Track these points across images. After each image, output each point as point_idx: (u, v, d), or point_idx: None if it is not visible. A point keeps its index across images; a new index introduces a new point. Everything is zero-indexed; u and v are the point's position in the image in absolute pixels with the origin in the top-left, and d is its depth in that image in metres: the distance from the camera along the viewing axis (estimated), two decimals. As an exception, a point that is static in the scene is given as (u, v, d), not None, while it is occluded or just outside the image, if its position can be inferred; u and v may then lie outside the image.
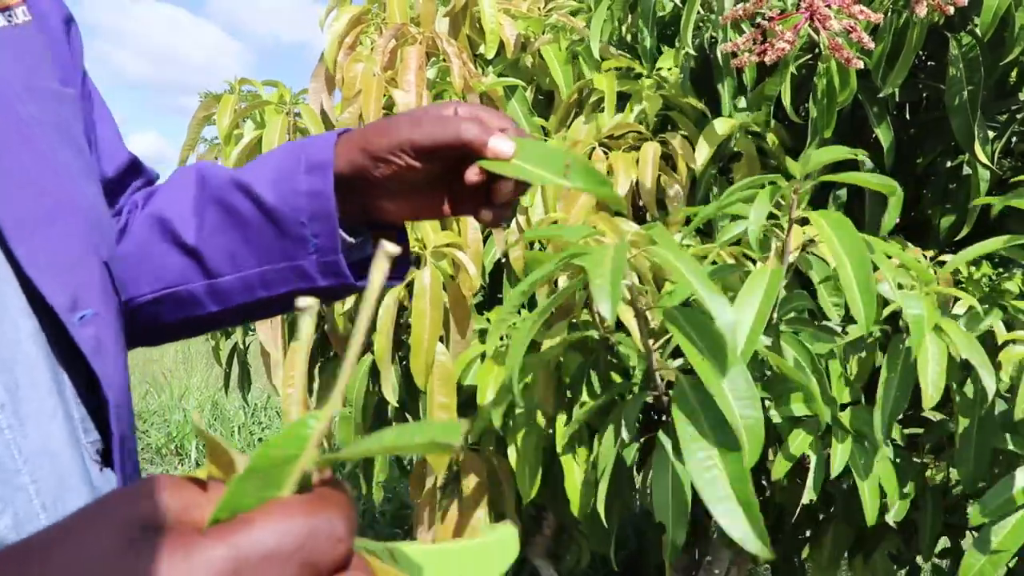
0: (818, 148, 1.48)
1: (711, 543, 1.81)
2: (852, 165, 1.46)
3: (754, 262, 1.25)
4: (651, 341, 1.21)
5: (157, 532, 0.29)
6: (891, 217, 1.19)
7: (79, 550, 0.29)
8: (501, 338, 1.50)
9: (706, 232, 1.56)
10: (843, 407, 1.25)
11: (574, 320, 1.31)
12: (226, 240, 0.71)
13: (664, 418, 1.24)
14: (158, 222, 0.74)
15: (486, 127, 0.63)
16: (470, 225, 1.49)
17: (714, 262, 1.29)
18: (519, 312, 1.58)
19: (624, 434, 1.18)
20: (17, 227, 0.55)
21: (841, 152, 1.12)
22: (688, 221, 1.57)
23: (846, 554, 1.59)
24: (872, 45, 1.25)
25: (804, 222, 1.21)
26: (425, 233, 1.41)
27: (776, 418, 1.25)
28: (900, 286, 1.19)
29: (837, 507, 1.45)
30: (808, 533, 1.69)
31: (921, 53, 1.56)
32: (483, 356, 1.41)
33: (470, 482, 1.42)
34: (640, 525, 2.86)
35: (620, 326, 1.33)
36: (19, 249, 0.55)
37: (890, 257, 1.14)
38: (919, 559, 1.60)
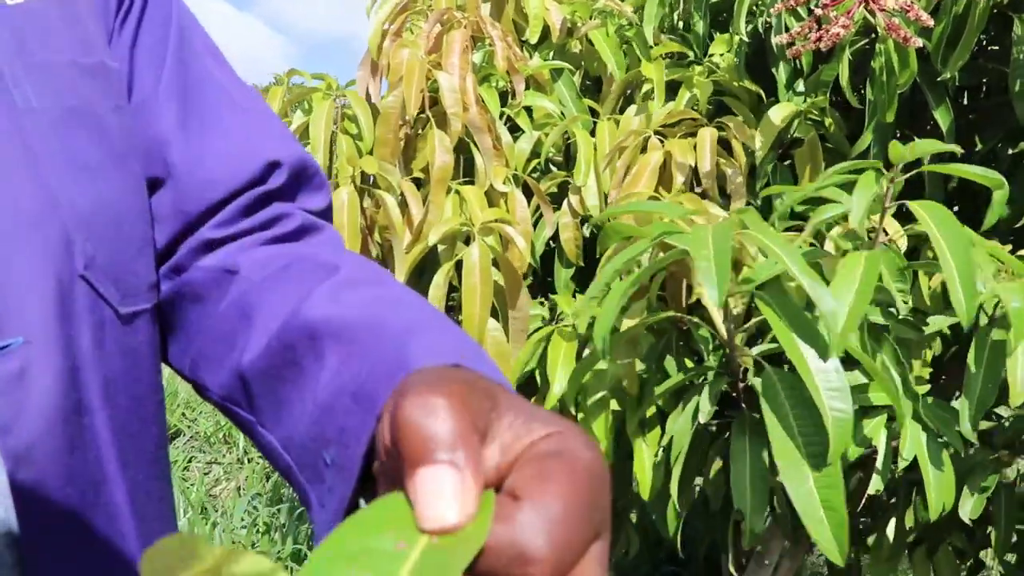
0: (876, 133, 1.45)
1: (763, 534, 1.79)
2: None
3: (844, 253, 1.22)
4: (731, 326, 1.18)
5: None
6: (995, 212, 1.16)
7: None
8: (554, 317, 1.48)
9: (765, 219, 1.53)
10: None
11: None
12: (266, 390, 0.59)
13: (741, 404, 1.22)
14: (235, 327, 0.61)
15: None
16: (518, 202, 1.47)
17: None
18: (574, 296, 1.56)
19: (701, 417, 1.16)
20: None
21: (942, 146, 1.09)
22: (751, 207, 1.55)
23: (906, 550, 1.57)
24: (931, 22, 1.21)
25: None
26: (472, 209, 1.39)
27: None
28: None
29: (900, 500, 1.43)
30: (865, 528, 1.68)
31: (983, 35, 1.52)
32: (548, 339, 1.38)
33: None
34: (689, 517, 2.85)
35: (692, 309, 1.31)
36: None
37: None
38: (984, 555, 1.59)
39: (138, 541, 0.62)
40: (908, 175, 1.17)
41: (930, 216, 1.06)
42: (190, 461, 4.01)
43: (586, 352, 1.24)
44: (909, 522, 1.46)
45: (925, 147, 1.10)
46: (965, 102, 1.69)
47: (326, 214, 0.73)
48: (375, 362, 0.48)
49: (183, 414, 4.25)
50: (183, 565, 0.30)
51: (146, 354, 0.63)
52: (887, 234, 1.26)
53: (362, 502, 0.30)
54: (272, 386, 0.57)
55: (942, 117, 1.43)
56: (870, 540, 1.65)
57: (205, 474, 3.93)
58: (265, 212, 0.68)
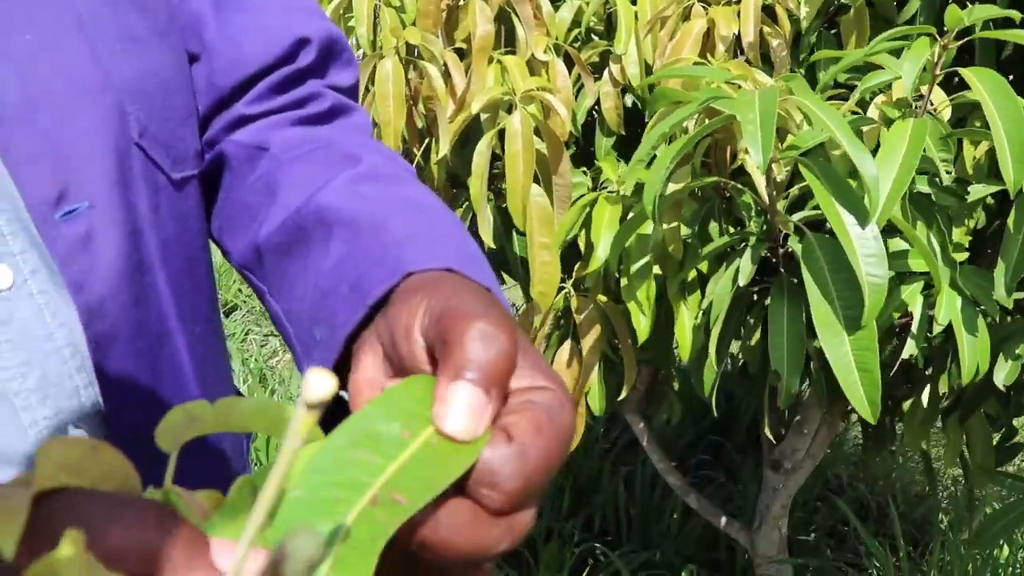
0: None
1: (802, 402, 1.84)
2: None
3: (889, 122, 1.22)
4: (773, 192, 1.20)
5: None
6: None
7: None
8: (598, 185, 1.50)
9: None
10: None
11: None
12: (275, 263, 0.63)
13: (780, 270, 1.24)
14: (259, 200, 0.65)
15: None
16: (559, 71, 1.47)
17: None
18: (618, 163, 1.57)
19: (741, 280, 1.19)
20: (4, 115, 0.54)
21: (1001, 11, 1.08)
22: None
23: (939, 416, 1.61)
24: None
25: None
26: (514, 78, 1.40)
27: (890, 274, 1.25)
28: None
29: (936, 367, 1.46)
30: (900, 395, 1.71)
31: None
32: (593, 204, 1.40)
33: (586, 323, 1.45)
34: (730, 388, 2.91)
35: (735, 176, 1.32)
36: (1, 139, 0.53)
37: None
38: (1017, 422, 1.62)
39: (198, 388, 0.68)
40: (962, 41, 1.15)
41: (982, 83, 1.06)
42: (247, 334, 4.13)
43: (629, 216, 1.26)
44: (944, 388, 1.49)
45: (982, 12, 1.08)
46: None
47: (353, 90, 0.77)
48: (375, 260, 0.52)
49: (239, 289, 4.34)
50: (188, 430, 0.34)
51: (196, 217, 0.68)
52: (932, 104, 1.25)
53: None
54: (282, 261, 0.62)
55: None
56: (905, 406, 1.69)
57: (261, 346, 4.05)
58: (298, 91, 0.71)
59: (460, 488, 0.35)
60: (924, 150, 1.16)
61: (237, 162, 0.69)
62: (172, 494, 0.33)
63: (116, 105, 0.59)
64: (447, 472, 0.34)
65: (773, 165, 1.17)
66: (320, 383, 0.26)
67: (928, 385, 1.53)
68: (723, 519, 2.12)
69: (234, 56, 0.69)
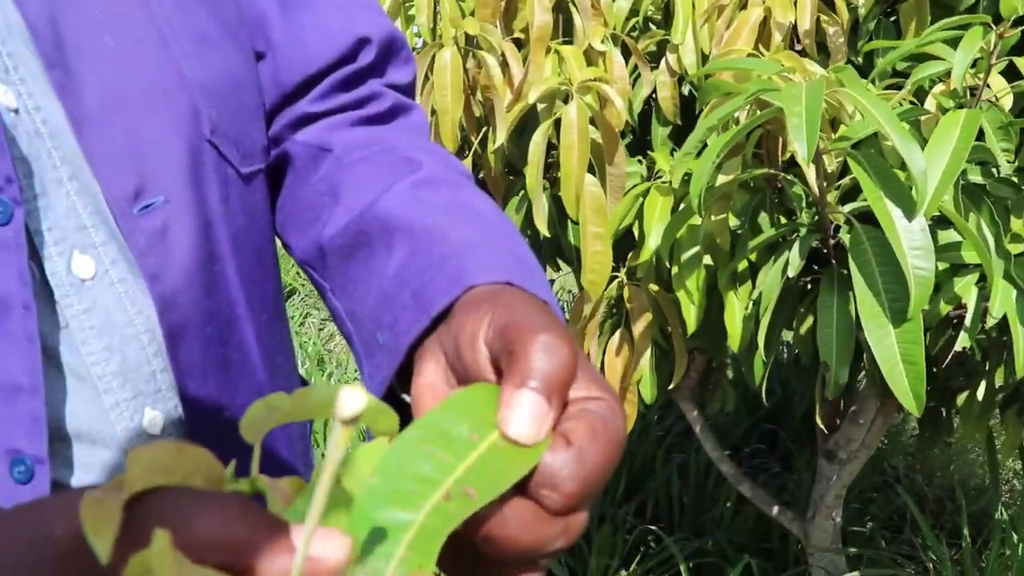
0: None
1: (857, 393, 1.83)
2: None
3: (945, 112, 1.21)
4: (824, 184, 1.20)
5: None
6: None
7: None
8: (652, 174, 1.51)
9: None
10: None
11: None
12: (338, 264, 0.67)
13: (831, 260, 1.25)
14: (322, 200, 0.69)
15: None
16: (615, 61, 1.49)
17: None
18: (672, 153, 1.59)
19: (790, 271, 1.20)
20: (87, 116, 0.57)
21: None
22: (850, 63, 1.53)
23: (997, 410, 1.60)
24: None
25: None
26: (571, 68, 1.41)
27: (942, 264, 1.25)
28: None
29: (992, 360, 1.45)
30: (956, 387, 1.70)
31: None
32: (646, 194, 1.42)
33: (638, 312, 1.47)
34: (785, 377, 2.91)
35: (787, 167, 1.32)
36: (84, 139, 0.57)
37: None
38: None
39: (266, 373, 0.71)
40: (1019, 28, 1.14)
41: (1034, 72, 1.05)
42: (305, 317, 4.22)
43: (681, 207, 1.28)
44: (1000, 381, 1.48)
45: (1037, 0, 1.07)
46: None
47: (411, 88, 0.80)
48: (437, 270, 0.55)
49: (297, 273, 4.44)
50: (269, 419, 0.37)
51: (263, 210, 0.72)
52: (992, 92, 1.24)
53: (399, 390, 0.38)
54: (344, 262, 0.65)
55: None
56: (960, 399, 1.68)
57: (320, 330, 4.14)
58: (360, 90, 0.74)
59: (521, 489, 0.38)
60: (983, 139, 1.15)
61: (301, 162, 0.72)
62: (258, 482, 0.36)
63: (190, 104, 0.62)
64: (511, 473, 0.37)
65: (824, 156, 1.18)
66: (352, 400, 0.29)
67: (984, 378, 1.52)
68: (776, 508, 2.12)
69: (299, 54, 0.72)
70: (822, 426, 1.65)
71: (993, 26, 1.12)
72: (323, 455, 0.37)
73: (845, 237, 1.14)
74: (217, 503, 0.32)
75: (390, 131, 0.74)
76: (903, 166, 1.14)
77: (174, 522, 0.31)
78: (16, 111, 0.56)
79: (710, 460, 2.75)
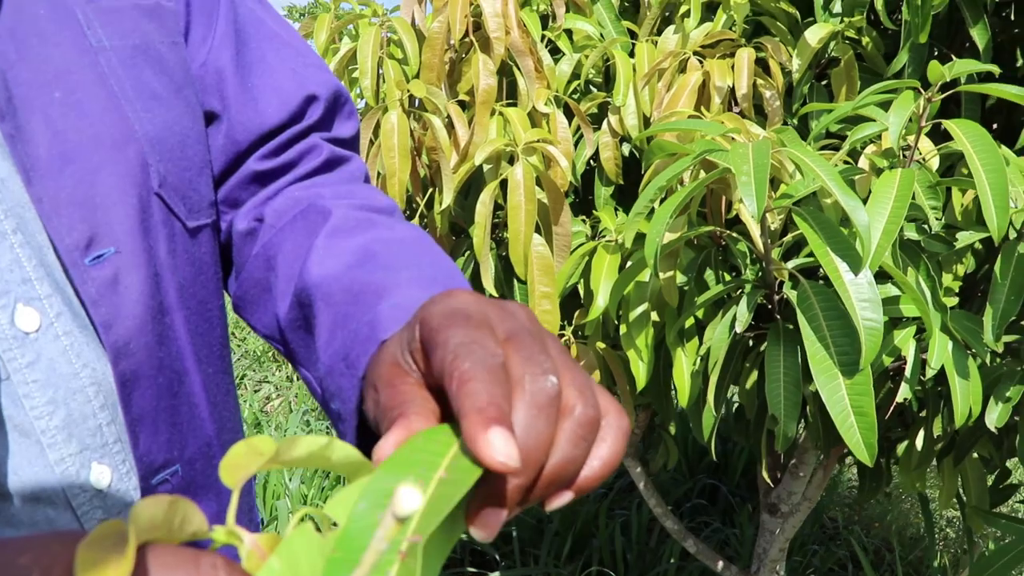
0: (911, 53, 1.48)
1: (797, 446, 1.86)
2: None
3: (878, 171, 1.26)
4: (768, 240, 1.23)
5: None
6: (1030, 128, 1.19)
7: None
8: (596, 233, 1.54)
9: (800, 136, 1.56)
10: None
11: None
12: (298, 338, 0.69)
13: (776, 316, 1.27)
14: (266, 275, 0.72)
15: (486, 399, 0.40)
16: (559, 123, 1.52)
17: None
18: (616, 212, 1.61)
19: (738, 327, 1.22)
20: (37, 167, 0.58)
21: (981, 66, 1.12)
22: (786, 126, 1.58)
23: (935, 459, 1.63)
24: None
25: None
26: (516, 130, 1.44)
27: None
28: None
29: (929, 410, 1.49)
30: (895, 438, 1.74)
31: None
32: (592, 253, 1.44)
33: (585, 370, 1.47)
34: (726, 433, 2.94)
35: (730, 224, 1.35)
36: (34, 189, 0.57)
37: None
38: (1010, 464, 1.65)
39: (213, 425, 0.72)
40: (946, 94, 1.20)
41: (965, 134, 1.10)
42: (242, 379, 4.15)
43: (628, 265, 1.30)
44: (938, 431, 1.52)
45: (962, 67, 1.13)
46: (1012, 16, 1.68)
47: (355, 141, 0.83)
48: (355, 330, 0.58)
49: (232, 333, 4.38)
50: (252, 462, 0.37)
51: (209, 263, 0.72)
52: (920, 153, 1.29)
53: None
54: (300, 336, 0.68)
55: (979, 35, 1.44)
56: (899, 449, 1.71)
57: (256, 391, 4.06)
58: (300, 145, 0.77)
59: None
60: (913, 198, 1.20)
61: (240, 237, 0.75)
62: (234, 536, 0.36)
63: (139, 157, 0.63)
64: (454, 497, 0.37)
65: (767, 214, 1.21)
66: (410, 499, 0.32)
67: (922, 428, 1.56)
68: (720, 563, 2.13)
69: (252, 114, 0.74)
70: (768, 479, 1.67)
71: (922, 91, 1.17)
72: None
73: (790, 292, 1.17)
74: (190, 560, 0.33)
75: (323, 182, 0.77)
76: (843, 222, 1.17)
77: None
78: None
79: (653, 516, 2.76)
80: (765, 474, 1.62)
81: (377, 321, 0.56)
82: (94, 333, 0.60)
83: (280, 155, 0.76)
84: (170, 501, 0.34)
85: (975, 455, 1.63)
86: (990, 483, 1.73)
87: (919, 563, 2.80)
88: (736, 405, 1.90)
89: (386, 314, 0.57)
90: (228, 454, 0.36)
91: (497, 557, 2.69)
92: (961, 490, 1.73)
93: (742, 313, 1.23)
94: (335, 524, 0.37)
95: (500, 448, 0.38)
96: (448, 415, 0.44)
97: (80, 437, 0.59)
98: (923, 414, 1.56)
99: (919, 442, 1.57)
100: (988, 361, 1.31)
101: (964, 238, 1.28)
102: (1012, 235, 1.20)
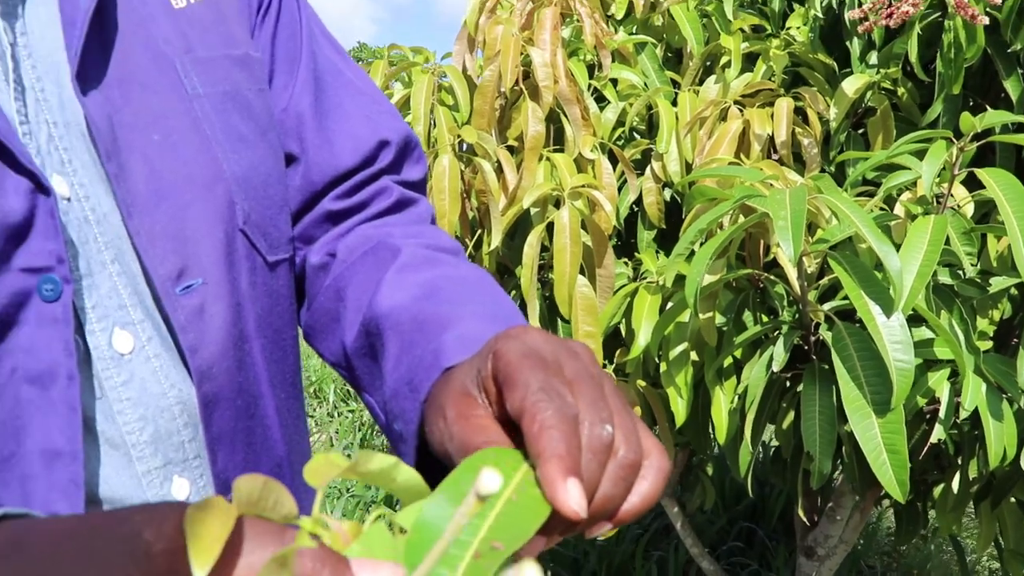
0: (945, 103, 1.53)
1: (834, 489, 1.88)
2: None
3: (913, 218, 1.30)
4: (804, 283, 1.28)
5: None
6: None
7: None
8: (638, 275, 1.59)
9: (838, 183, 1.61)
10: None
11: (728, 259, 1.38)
12: (363, 365, 0.74)
13: (812, 357, 1.32)
14: (335, 305, 0.77)
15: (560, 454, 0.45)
16: (604, 168, 1.58)
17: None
18: (656, 255, 1.67)
19: (775, 366, 1.26)
20: (136, 203, 0.64)
21: (1012, 117, 1.17)
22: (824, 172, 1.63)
23: (972, 501, 1.65)
24: (999, 0, 1.27)
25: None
26: (563, 175, 1.50)
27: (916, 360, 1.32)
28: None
29: (965, 453, 1.51)
30: (932, 481, 1.75)
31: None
32: (634, 294, 1.49)
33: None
34: (763, 476, 2.95)
35: (768, 267, 1.40)
36: (133, 223, 0.64)
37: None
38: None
39: (284, 447, 0.77)
40: (979, 143, 1.24)
41: (996, 182, 1.14)
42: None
43: (668, 306, 1.35)
44: (973, 473, 1.54)
45: (994, 118, 1.17)
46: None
47: (422, 183, 0.89)
48: (419, 356, 0.63)
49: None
50: (332, 470, 0.42)
51: (285, 295, 0.79)
52: (955, 200, 1.34)
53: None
54: (366, 363, 0.73)
55: (1013, 87, 1.48)
56: (936, 492, 1.73)
57: (305, 427, 4.16)
58: (372, 186, 0.83)
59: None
60: (948, 243, 1.24)
61: (313, 270, 0.81)
62: (320, 522, 0.41)
63: (226, 195, 0.70)
64: (533, 522, 0.42)
65: (804, 258, 1.25)
66: (492, 480, 0.36)
67: (958, 471, 1.58)
68: (758, 605, 2.14)
69: (328, 156, 0.81)
70: (804, 518, 1.69)
71: (954, 140, 1.22)
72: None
73: (826, 334, 1.21)
74: (290, 538, 0.38)
75: (393, 222, 0.83)
76: (877, 267, 1.22)
77: (262, 552, 0.37)
78: (68, 199, 0.62)
79: (688, 558, 2.77)
80: (801, 513, 1.65)
81: (441, 350, 0.61)
82: (179, 357, 0.67)
83: (353, 196, 0.82)
84: (265, 480, 0.39)
85: (1012, 499, 1.64)
86: (1027, 528, 1.74)
87: (959, 612, 2.78)
88: (773, 449, 1.93)
89: (450, 344, 0.61)
90: (311, 461, 0.42)
91: (534, 595, 2.71)
92: (999, 535, 1.74)
93: (779, 353, 1.27)
94: (404, 531, 0.42)
95: (575, 498, 0.43)
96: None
97: (165, 452, 0.65)
98: (959, 459, 1.58)
99: (955, 485, 1.59)
100: (1023, 405, 1.34)
101: (998, 283, 1.32)
102: (1045, 280, 1.23)
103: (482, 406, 0.52)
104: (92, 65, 0.65)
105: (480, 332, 0.61)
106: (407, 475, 0.44)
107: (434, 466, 0.61)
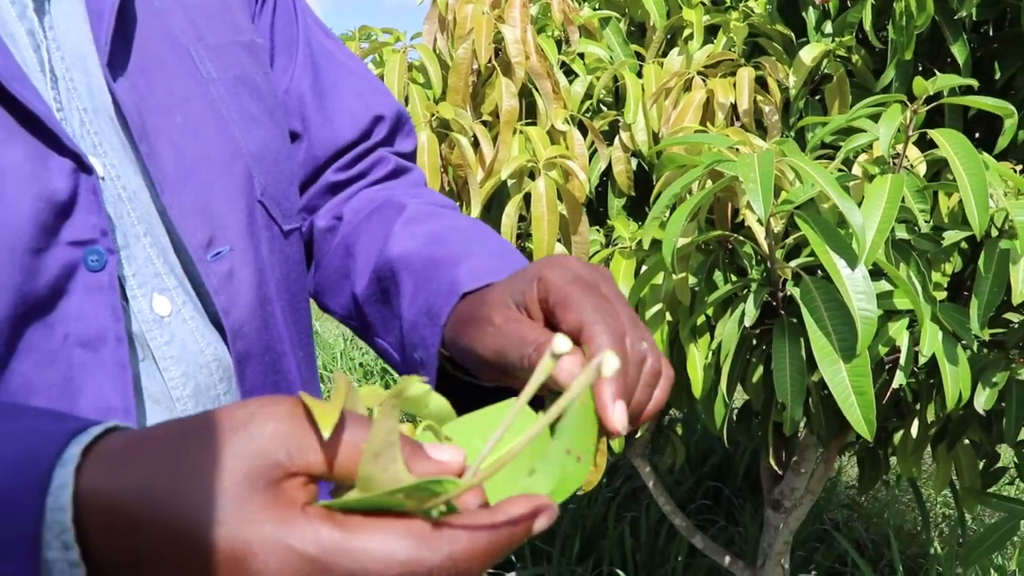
0: (898, 69, 1.61)
1: (799, 443, 1.97)
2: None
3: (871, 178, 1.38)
4: (772, 242, 1.35)
5: (257, 488, 0.38)
6: (1006, 137, 1.32)
7: (191, 479, 0.39)
8: (610, 241, 1.66)
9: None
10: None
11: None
12: (375, 311, 0.82)
13: (780, 312, 1.40)
14: (345, 262, 0.85)
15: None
16: (576, 139, 1.64)
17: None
18: (628, 221, 1.73)
19: (746, 321, 1.34)
20: (166, 180, 0.70)
21: (961, 80, 1.25)
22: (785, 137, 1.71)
23: (929, 445, 1.75)
24: None
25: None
26: (537, 147, 1.56)
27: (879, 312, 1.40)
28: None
29: (923, 399, 1.60)
30: (892, 428, 1.85)
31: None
32: (608, 259, 1.56)
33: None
34: (730, 431, 3.05)
35: (736, 229, 1.48)
36: (166, 198, 0.69)
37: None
38: (999, 448, 1.76)
39: None
40: (930, 106, 1.33)
41: (948, 142, 1.22)
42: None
43: (643, 269, 1.42)
44: (931, 417, 1.64)
45: (944, 82, 1.25)
46: (990, 32, 1.81)
47: (413, 155, 0.98)
48: (436, 288, 0.71)
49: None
50: (380, 396, 0.47)
51: (299, 262, 0.86)
52: (909, 160, 1.42)
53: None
54: (377, 308, 0.81)
55: (959, 52, 1.57)
56: (896, 438, 1.83)
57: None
58: (370, 158, 0.91)
59: None
60: (903, 201, 1.32)
61: (320, 234, 0.89)
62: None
63: (245, 171, 0.76)
64: (592, 428, 0.50)
65: (771, 218, 1.33)
66: (564, 342, 0.41)
67: (917, 416, 1.68)
68: (728, 558, 2.24)
69: (328, 133, 0.88)
70: (775, 466, 1.78)
71: (908, 104, 1.30)
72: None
73: (793, 289, 1.29)
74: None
75: (393, 186, 0.91)
76: (840, 224, 1.30)
77: (362, 432, 0.41)
78: (103, 179, 0.67)
79: (660, 517, 2.87)
80: (772, 461, 1.73)
81: (456, 280, 0.69)
82: (209, 320, 0.72)
83: (353, 167, 0.89)
84: (347, 382, 0.44)
85: (967, 441, 1.74)
86: (981, 467, 1.85)
87: (918, 556, 2.92)
88: (737, 410, 2.02)
89: (463, 275, 0.69)
90: (363, 388, 0.47)
91: (512, 558, 2.79)
92: (954, 476, 1.85)
93: (749, 309, 1.35)
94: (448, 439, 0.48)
95: (620, 419, 0.51)
96: None
97: (204, 404, 0.71)
98: (917, 405, 1.68)
99: (914, 430, 1.69)
100: (975, 350, 1.43)
101: (950, 236, 1.41)
102: (993, 232, 1.32)
103: (524, 317, 0.60)
104: (118, 55, 0.70)
105: (490, 265, 0.69)
106: (438, 401, 0.50)
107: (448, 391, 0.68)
